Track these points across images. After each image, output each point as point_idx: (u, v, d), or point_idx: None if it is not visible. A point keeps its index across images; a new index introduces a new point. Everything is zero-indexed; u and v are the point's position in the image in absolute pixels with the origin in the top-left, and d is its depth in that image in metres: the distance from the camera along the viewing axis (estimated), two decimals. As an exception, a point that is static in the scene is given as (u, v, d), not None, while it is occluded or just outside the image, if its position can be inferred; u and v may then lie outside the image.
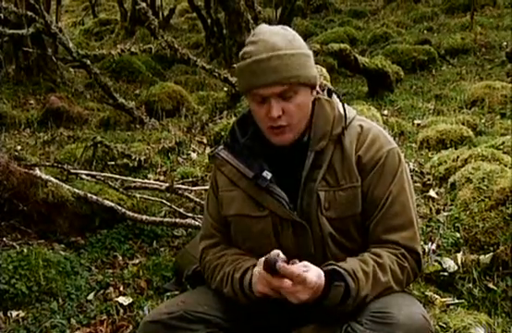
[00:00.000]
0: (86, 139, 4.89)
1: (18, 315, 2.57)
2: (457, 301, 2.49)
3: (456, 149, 4.06)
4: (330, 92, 1.74)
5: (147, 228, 3.36)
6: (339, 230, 1.64)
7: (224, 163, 1.73)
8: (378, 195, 1.64)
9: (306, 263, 1.51)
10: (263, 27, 1.65)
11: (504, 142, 3.82)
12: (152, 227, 3.36)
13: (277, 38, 1.59)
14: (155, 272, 2.90)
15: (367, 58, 6.78)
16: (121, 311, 2.60)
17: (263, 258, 1.52)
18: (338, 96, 1.74)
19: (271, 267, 1.48)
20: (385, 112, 5.73)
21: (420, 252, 1.66)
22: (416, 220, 1.67)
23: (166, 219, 3.28)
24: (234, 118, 4.35)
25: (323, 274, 1.50)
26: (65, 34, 5.70)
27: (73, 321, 2.54)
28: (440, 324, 2.22)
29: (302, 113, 1.63)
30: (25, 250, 2.85)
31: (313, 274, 1.48)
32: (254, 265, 1.61)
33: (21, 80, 7.57)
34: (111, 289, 2.80)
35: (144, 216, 3.30)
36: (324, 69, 4.86)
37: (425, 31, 10.01)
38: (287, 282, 1.46)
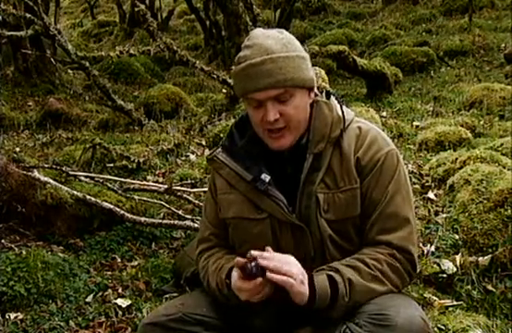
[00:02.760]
0: (85, 141, 4.88)
1: (16, 318, 2.57)
2: (455, 302, 2.49)
3: (454, 151, 4.06)
4: (328, 94, 1.74)
5: (146, 230, 3.36)
6: (338, 232, 1.64)
7: (222, 166, 1.73)
8: (376, 196, 1.64)
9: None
10: (258, 31, 1.65)
11: (502, 144, 3.82)
12: (150, 228, 3.36)
13: (271, 41, 1.58)
14: (154, 274, 2.89)
15: (366, 60, 6.79)
16: (120, 313, 2.59)
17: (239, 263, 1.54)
18: (337, 98, 1.74)
19: (248, 273, 1.50)
20: (384, 114, 5.74)
21: (414, 253, 1.65)
22: (413, 221, 1.67)
23: (165, 221, 3.28)
24: (233, 120, 4.36)
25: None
26: (63, 36, 5.69)
27: (72, 323, 2.54)
28: (439, 326, 2.22)
29: (300, 115, 1.63)
30: (23, 252, 2.85)
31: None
32: None
33: (20, 82, 7.58)
34: (109, 291, 2.80)
35: (143, 218, 3.29)
36: (323, 71, 4.87)
37: (424, 33, 10.02)
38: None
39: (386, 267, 1.58)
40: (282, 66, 1.56)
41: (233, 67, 1.68)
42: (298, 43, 1.65)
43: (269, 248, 1.56)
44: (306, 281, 1.51)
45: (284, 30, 1.66)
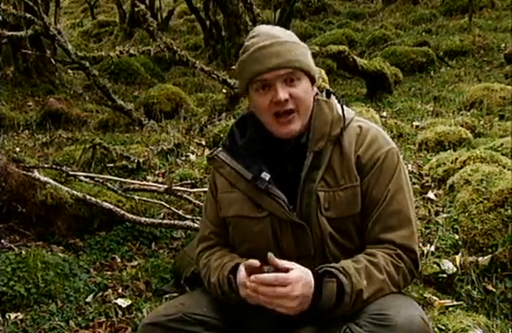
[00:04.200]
0: (85, 141, 4.88)
1: (16, 318, 2.57)
2: (455, 302, 2.49)
3: (454, 151, 4.06)
4: (328, 94, 1.75)
5: (146, 230, 3.36)
6: (339, 231, 1.64)
7: (222, 165, 1.74)
8: (376, 195, 1.64)
9: (292, 263, 1.52)
10: (261, 26, 1.73)
11: (502, 144, 3.82)
12: (150, 228, 3.35)
13: (276, 31, 1.67)
14: (154, 274, 2.89)
15: (366, 60, 6.79)
16: (120, 313, 2.59)
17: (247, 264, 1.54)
18: (337, 97, 1.75)
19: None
20: (384, 114, 5.74)
21: (418, 252, 1.66)
22: (414, 219, 1.68)
23: (165, 221, 3.28)
24: (233, 120, 4.36)
25: (309, 271, 1.51)
26: (63, 36, 5.69)
27: (72, 323, 2.54)
28: (439, 326, 2.22)
29: (308, 100, 1.65)
30: (23, 252, 2.84)
31: (296, 271, 1.49)
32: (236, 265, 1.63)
33: (20, 82, 7.58)
34: (109, 291, 2.80)
35: (143, 218, 3.29)
36: (323, 71, 4.87)
37: (424, 33, 10.02)
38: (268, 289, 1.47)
39: (393, 269, 1.59)
40: (289, 48, 1.62)
41: (235, 65, 1.70)
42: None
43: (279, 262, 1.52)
44: (306, 305, 1.50)
45: (285, 30, 1.72)
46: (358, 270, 1.54)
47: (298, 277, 1.48)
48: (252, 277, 1.49)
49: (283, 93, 1.59)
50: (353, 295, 1.51)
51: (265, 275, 1.48)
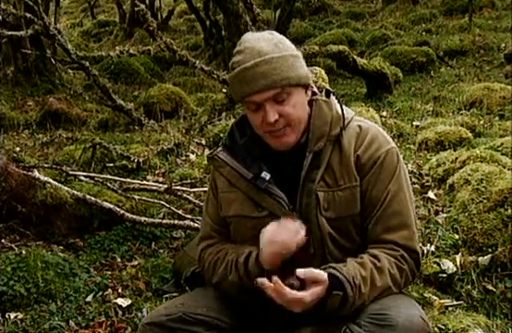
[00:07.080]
0: (85, 140, 4.88)
1: (16, 317, 2.56)
2: (455, 302, 2.49)
3: (454, 150, 4.06)
4: (328, 93, 1.74)
5: (146, 230, 3.36)
6: (338, 230, 1.64)
7: (222, 164, 1.74)
8: (377, 195, 1.64)
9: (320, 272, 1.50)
10: (248, 34, 1.67)
11: (502, 144, 3.82)
12: (150, 228, 3.35)
13: (262, 43, 1.59)
14: (154, 274, 2.89)
15: (366, 60, 6.79)
16: (120, 313, 2.59)
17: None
18: (336, 97, 1.75)
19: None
20: (384, 113, 5.73)
21: (420, 252, 1.66)
22: (415, 219, 1.68)
23: (165, 221, 3.28)
24: (233, 120, 4.36)
25: (326, 287, 1.49)
26: (63, 36, 5.70)
27: (72, 323, 2.54)
28: (439, 325, 2.22)
29: (299, 113, 1.63)
30: (23, 251, 2.84)
31: (314, 292, 1.48)
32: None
33: (20, 82, 7.57)
34: (110, 290, 2.79)
35: (143, 218, 3.29)
36: (323, 71, 4.86)
37: (424, 33, 10.02)
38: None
39: (397, 271, 1.59)
40: (276, 66, 1.57)
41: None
42: (289, 42, 1.66)
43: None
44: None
45: (274, 32, 1.68)
46: (364, 279, 1.53)
47: (312, 300, 1.47)
48: (278, 284, 1.46)
49: (272, 115, 1.58)
50: (354, 305, 1.51)
51: (286, 290, 1.46)
